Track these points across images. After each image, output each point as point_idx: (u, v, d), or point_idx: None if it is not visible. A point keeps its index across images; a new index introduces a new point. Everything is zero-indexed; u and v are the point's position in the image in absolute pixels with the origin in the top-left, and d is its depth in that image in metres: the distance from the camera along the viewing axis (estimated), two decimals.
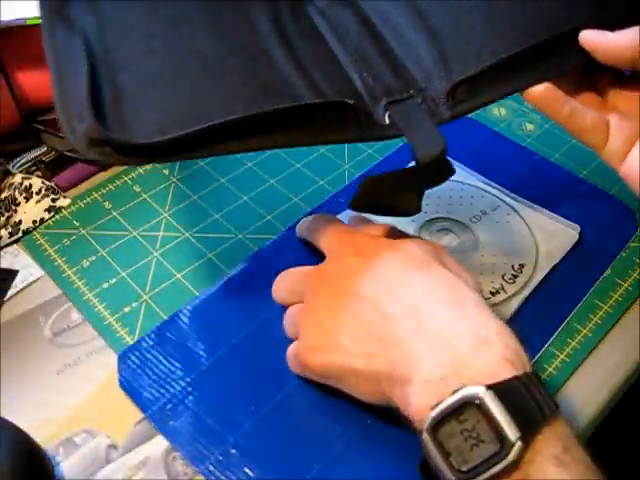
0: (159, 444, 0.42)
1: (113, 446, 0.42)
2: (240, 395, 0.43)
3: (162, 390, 0.44)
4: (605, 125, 0.39)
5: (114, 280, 0.51)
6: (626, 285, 0.51)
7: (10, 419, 0.39)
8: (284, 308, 0.46)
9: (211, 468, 0.40)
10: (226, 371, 0.45)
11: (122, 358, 0.45)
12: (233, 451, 0.41)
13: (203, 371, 0.45)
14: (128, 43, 0.37)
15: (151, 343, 0.46)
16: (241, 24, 0.39)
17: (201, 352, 0.46)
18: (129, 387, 0.44)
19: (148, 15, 0.38)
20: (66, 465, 0.41)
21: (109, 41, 0.37)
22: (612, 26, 0.37)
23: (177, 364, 0.45)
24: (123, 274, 0.51)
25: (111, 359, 0.45)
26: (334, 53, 0.39)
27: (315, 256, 0.49)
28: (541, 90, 0.37)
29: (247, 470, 0.40)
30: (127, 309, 0.49)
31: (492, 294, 0.48)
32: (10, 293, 0.50)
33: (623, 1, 0.39)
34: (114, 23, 0.38)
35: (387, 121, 0.37)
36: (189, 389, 0.44)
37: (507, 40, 0.38)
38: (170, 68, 0.36)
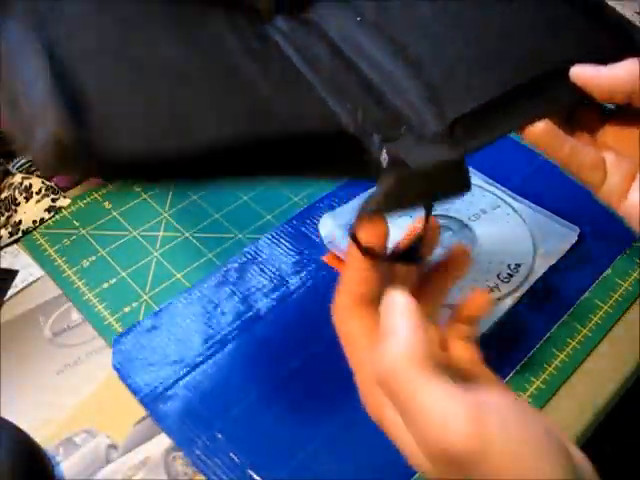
0: (159, 444, 0.42)
1: (113, 446, 0.42)
2: (229, 383, 0.44)
3: (154, 374, 0.45)
4: (603, 163, 0.37)
5: (114, 280, 0.51)
6: (626, 285, 0.51)
7: (10, 419, 0.39)
8: (277, 299, 0.47)
9: (198, 452, 0.41)
10: (217, 359, 0.46)
11: (117, 342, 0.46)
12: (220, 436, 0.42)
13: (195, 358, 0.46)
14: (81, 42, 0.31)
15: (146, 328, 0.47)
16: (206, 35, 0.34)
17: (194, 340, 0.47)
18: (122, 370, 0.45)
19: (99, 15, 0.32)
20: (66, 465, 0.41)
21: (55, 35, 0.30)
22: (604, 59, 0.35)
23: (170, 350, 0.46)
24: (123, 274, 0.51)
25: (111, 359, 0.45)
26: (308, 79, 0.35)
27: (309, 250, 0.50)
28: (541, 128, 0.35)
29: (232, 455, 0.41)
30: (127, 309, 0.49)
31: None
32: (10, 293, 0.50)
33: (613, 33, 0.38)
34: (60, 24, 0.31)
35: (385, 158, 0.32)
36: (180, 374, 0.45)
37: (498, 74, 0.35)
38: (138, 74, 0.30)
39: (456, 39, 0.37)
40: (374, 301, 0.30)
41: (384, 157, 0.32)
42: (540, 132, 0.35)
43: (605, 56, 0.35)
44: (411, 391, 0.25)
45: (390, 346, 0.27)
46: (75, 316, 0.49)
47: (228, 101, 0.31)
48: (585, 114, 0.37)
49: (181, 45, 0.33)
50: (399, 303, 0.28)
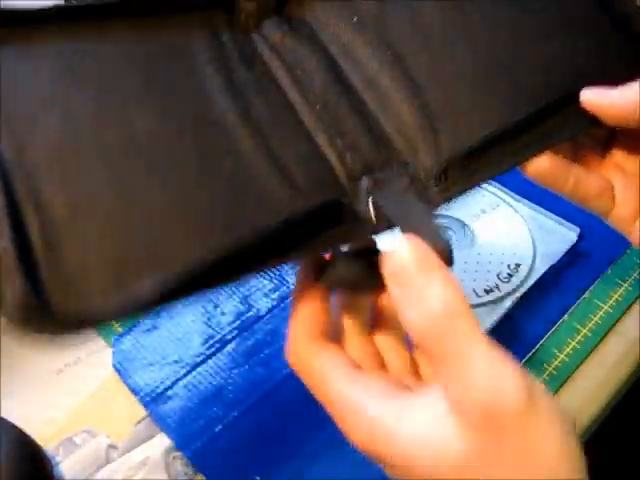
0: (159, 444, 0.42)
1: (113, 446, 0.42)
2: (229, 383, 0.45)
3: (154, 374, 0.45)
4: (610, 189, 0.34)
5: None
6: (626, 285, 0.51)
7: (10, 419, 0.39)
8: (277, 299, 0.47)
9: (198, 452, 0.41)
10: (217, 359, 0.46)
11: (117, 342, 0.47)
12: (220, 436, 0.42)
13: (195, 358, 0.46)
14: (42, 131, 0.26)
15: (146, 328, 0.47)
16: (183, 81, 0.30)
17: (194, 340, 0.47)
18: (122, 370, 0.45)
19: (61, 81, 0.28)
20: (66, 465, 0.41)
21: (20, 133, 0.26)
22: (615, 76, 0.32)
23: (170, 350, 0.46)
24: None
25: (111, 359, 0.46)
26: (296, 111, 0.32)
27: None
28: (546, 164, 0.32)
29: (232, 455, 0.41)
30: None
31: (486, 292, 0.49)
32: None
33: (624, 44, 0.34)
34: (21, 105, 0.27)
35: (372, 214, 0.30)
36: (180, 374, 0.45)
37: (504, 99, 0.32)
38: (105, 166, 0.26)
39: (459, 48, 0.33)
40: (332, 337, 0.28)
41: (371, 212, 0.30)
42: (543, 169, 0.32)
43: (624, 66, 0.33)
44: (467, 345, 0.24)
45: (442, 297, 0.24)
46: None
47: (205, 179, 0.27)
48: (592, 130, 0.34)
49: (157, 109, 0.29)
50: (425, 252, 0.25)
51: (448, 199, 0.30)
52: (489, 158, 0.31)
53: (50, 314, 0.23)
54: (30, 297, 0.23)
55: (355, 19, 0.34)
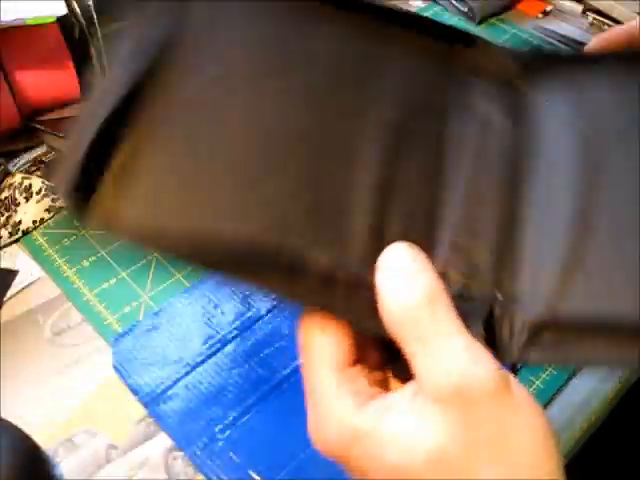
0: (159, 444, 0.42)
1: (113, 446, 0.42)
2: (229, 382, 0.44)
3: (154, 374, 0.45)
4: None
5: (114, 280, 0.51)
6: None
7: (10, 419, 0.39)
8: (277, 299, 0.47)
9: (198, 452, 0.41)
10: (217, 359, 0.46)
11: (117, 342, 0.46)
12: (220, 436, 0.42)
13: (195, 358, 0.46)
14: (196, 80, 0.27)
15: (145, 328, 0.47)
16: (363, 90, 0.28)
17: (194, 339, 0.47)
18: (122, 370, 0.45)
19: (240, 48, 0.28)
20: (66, 465, 0.41)
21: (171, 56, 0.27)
22: None
23: (170, 350, 0.46)
24: (123, 274, 0.51)
25: (111, 359, 0.45)
26: (445, 185, 0.27)
27: None
28: None
29: (232, 455, 0.41)
30: (127, 309, 0.49)
31: None
32: (10, 293, 0.50)
33: None
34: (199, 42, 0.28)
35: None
36: (180, 374, 0.45)
37: None
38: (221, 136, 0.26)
39: None
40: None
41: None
42: None
43: None
44: (445, 331, 0.24)
45: (424, 284, 0.24)
46: (75, 316, 0.49)
47: (290, 194, 0.26)
48: None
49: (317, 108, 0.27)
50: (413, 247, 0.25)
51: (523, 360, 0.26)
52: (594, 336, 0.25)
53: (86, 202, 0.24)
54: (81, 180, 0.24)
55: (574, 115, 0.28)
